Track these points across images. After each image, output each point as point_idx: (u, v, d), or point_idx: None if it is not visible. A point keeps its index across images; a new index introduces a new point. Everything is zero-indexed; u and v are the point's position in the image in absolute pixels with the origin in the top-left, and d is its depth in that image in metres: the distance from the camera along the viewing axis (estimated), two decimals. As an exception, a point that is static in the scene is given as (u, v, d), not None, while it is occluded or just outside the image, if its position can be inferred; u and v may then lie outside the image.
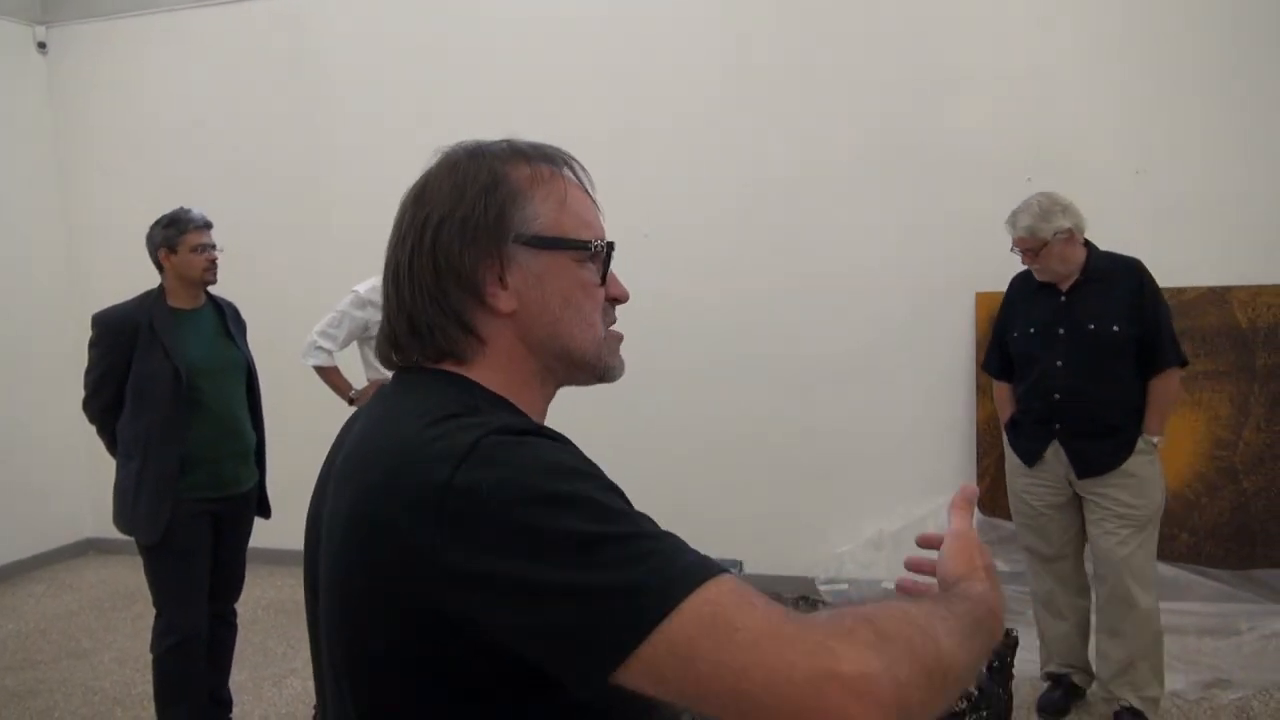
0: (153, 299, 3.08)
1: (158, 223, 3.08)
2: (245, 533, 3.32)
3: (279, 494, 3.38)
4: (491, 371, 0.95)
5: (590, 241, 0.98)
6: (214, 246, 3.11)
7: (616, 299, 1.02)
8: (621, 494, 0.82)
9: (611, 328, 1.03)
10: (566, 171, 1.00)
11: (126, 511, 3.05)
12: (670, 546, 0.76)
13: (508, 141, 1.00)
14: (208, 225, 3.11)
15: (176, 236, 3.05)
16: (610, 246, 1.00)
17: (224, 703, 3.33)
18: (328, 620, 0.91)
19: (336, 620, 0.89)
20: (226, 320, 3.22)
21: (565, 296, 0.96)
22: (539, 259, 0.95)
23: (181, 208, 3.12)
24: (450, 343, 0.94)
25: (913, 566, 1.04)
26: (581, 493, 0.77)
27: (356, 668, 0.87)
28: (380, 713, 0.87)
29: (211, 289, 3.19)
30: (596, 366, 1.00)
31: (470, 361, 0.95)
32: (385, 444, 0.87)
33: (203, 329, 3.14)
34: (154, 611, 3.10)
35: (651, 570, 0.73)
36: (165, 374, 2.99)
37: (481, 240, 0.93)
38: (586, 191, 1.02)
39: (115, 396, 3.05)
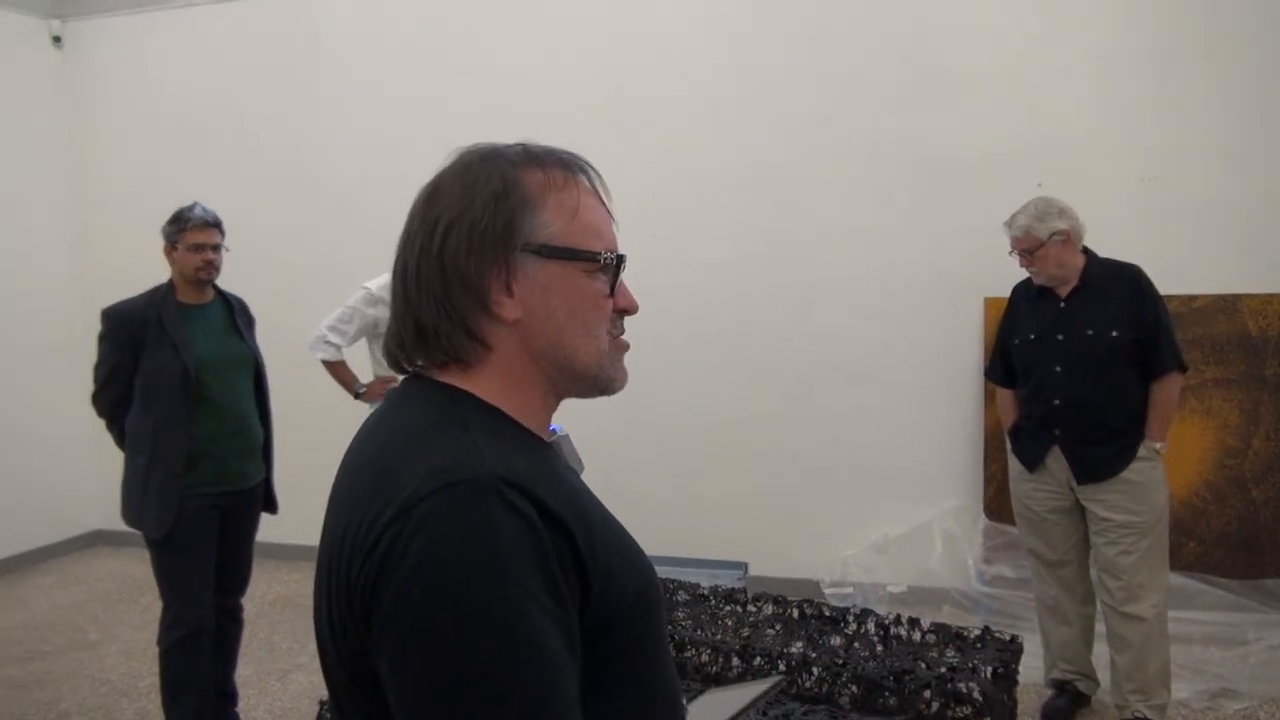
0: (162, 294, 3.09)
1: (170, 219, 3.11)
2: (252, 527, 3.33)
3: (286, 490, 3.39)
4: (493, 379, 0.95)
5: (600, 253, 0.96)
6: (216, 246, 3.10)
7: (625, 310, 1.00)
8: (552, 587, 0.80)
9: (618, 338, 1.01)
10: (582, 179, 0.98)
11: (134, 506, 3.07)
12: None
13: (523, 145, 0.99)
14: (209, 224, 3.08)
15: (177, 234, 3.06)
16: (621, 259, 0.98)
17: (230, 695, 3.35)
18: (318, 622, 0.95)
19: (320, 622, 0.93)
20: (235, 316, 3.23)
21: (571, 308, 0.95)
22: (546, 268, 0.94)
23: (188, 205, 3.11)
24: (455, 348, 0.94)
25: None
26: (495, 611, 0.76)
27: (329, 670, 0.92)
28: (350, 714, 0.91)
29: (221, 284, 3.20)
30: (598, 379, 0.98)
31: (474, 367, 0.95)
32: (367, 462, 0.91)
33: (211, 325, 3.15)
34: (161, 604, 3.12)
35: None
36: (173, 369, 3.00)
37: (489, 248, 0.92)
38: (601, 200, 1.00)
39: (124, 391, 3.07)
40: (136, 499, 3.05)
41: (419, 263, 0.94)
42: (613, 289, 0.97)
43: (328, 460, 0.99)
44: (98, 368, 3.10)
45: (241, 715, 3.41)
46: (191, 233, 3.05)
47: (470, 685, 0.75)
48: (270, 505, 3.38)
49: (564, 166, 0.97)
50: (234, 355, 3.17)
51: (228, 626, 3.31)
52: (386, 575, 0.78)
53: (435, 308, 0.93)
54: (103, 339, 3.08)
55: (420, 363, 0.97)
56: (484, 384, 0.95)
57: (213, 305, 3.19)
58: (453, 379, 0.95)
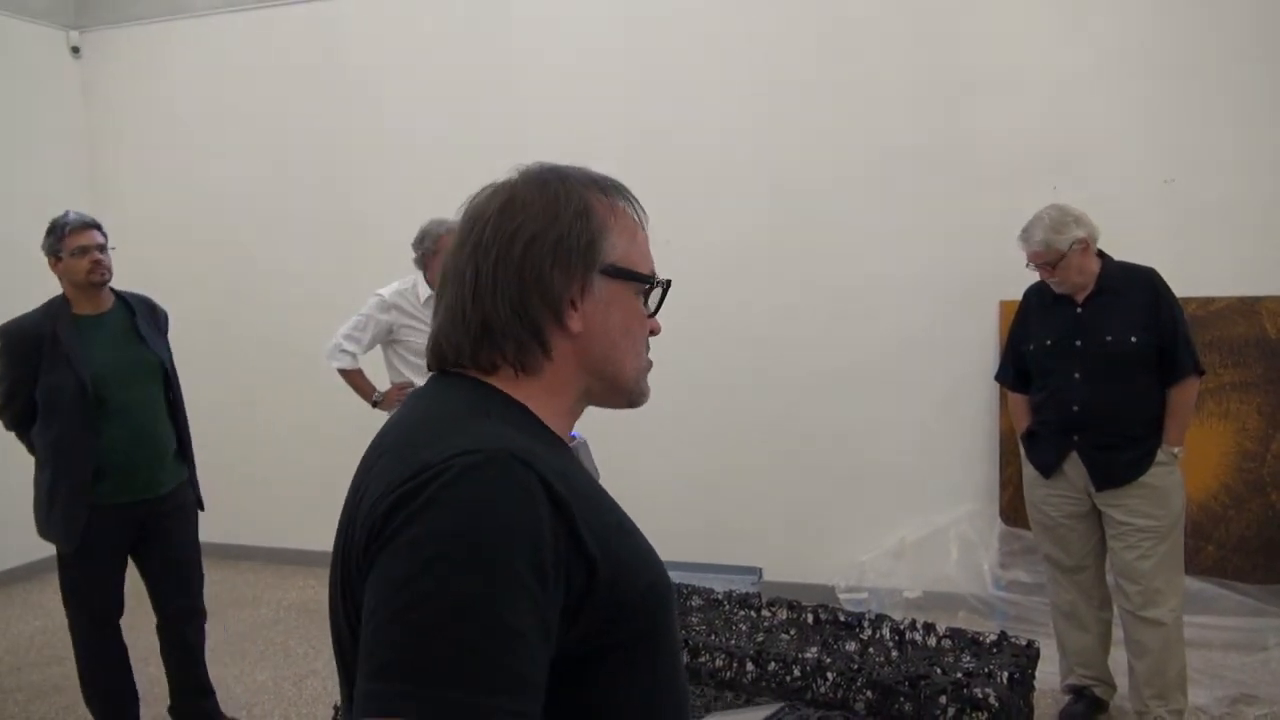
0: (57, 307, 3.03)
1: (45, 232, 3.04)
2: (183, 531, 3.22)
3: (304, 497, 3.40)
4: (534, 383, 0.99)
5: (653, 276, 1.04)
6: (102, 247, 3.03)
7: (654, 331, 1.08)
8: (538, 563, 0.80)
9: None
10: (627, 205, 1.05)
11: (42, 520, 3.03)
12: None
13: (583, 170, 1.04)
14: (88, 225, 3.03)
15: (58, 242, 3.00)
16: (668, 284, 1.05)
17: (205, 691, 3.28)
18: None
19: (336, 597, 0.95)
20: (137, 320, 3.14)
21: (625, 325, 1.02)
22: (610, 287, 1.01)
23: (60, 214, 3.06)
24: (521, 353, 0.98)
25: None
26: (484, 583, 0.77)
27: (341, 645, 0.94)
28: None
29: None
30: (633, 393, 1.06)
31: (533, 374, 0.99)
32: (390, 446, 0.94)
33: (110, 334, 3.07)
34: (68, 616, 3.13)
35: None
36: (70, 385, 2.93)
37: (573, 263, 0.98)
38: (642, 226, 1.06)
39: (27, 406, 3.01)
40: (44, 513, 3.02)
41: (495, 269, 0.97)
42: (657, 310, 1.06)
43: (348, 467, 1.00)
44: None
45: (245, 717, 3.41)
46: (72, 236, 2.99)
47: (429, 633, 0.75)
48: (197, 504, 3.30)
49: (619, 193, 1.05)
50: (137, 363, 3.09)
51: (184, 629, 3.22)
52: (395, 519, 0.82)
53: (511, 313, 0.97)
54: (0, 356, 3.01)
55: (465, 362, 1.00)
56: (522, 386, 0.99)
57: (111, 313, 3.10)
58: (493, 380, 0.99)
